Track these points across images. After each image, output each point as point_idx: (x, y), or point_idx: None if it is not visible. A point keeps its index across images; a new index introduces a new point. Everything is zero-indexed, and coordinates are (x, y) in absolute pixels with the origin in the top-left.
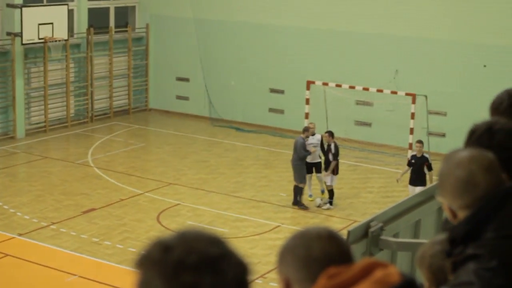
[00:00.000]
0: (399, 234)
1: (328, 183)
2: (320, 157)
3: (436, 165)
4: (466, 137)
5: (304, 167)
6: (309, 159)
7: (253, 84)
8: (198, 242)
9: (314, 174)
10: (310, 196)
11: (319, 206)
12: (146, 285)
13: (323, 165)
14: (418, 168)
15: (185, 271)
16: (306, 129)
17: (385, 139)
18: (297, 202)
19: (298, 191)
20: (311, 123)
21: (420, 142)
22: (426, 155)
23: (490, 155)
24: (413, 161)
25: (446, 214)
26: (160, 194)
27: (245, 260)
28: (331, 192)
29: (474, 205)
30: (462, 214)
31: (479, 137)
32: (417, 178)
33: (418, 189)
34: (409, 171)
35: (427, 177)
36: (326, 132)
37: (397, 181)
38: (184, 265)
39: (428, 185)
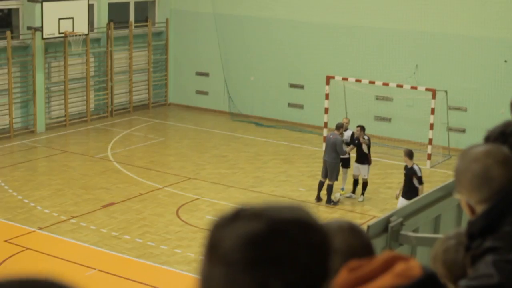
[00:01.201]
0: (419, 229)
1: (364, 176)
2: (349, 153)
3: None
4: (483, 142)
5: (339, 164)
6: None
7: (272, 79)
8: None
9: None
10: (343, 189)
11: (338, 201)
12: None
13: (352, 159)
14: (409, 180)
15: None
16: (341, 126)
17: (405, 135)
18: (331, 200)
19: (331, 189)
20: (345, 118)
21: (359, 126)
22: (416, 167)
23: (506, 149)
24: (356, 141)
25: (464, 210)
26: (179, 189)
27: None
28: (365, 184)
29: (491, 199)
30: (479, 209)
31: (493, 141)
32: (408, 190)
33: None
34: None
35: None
36: (358, 126)
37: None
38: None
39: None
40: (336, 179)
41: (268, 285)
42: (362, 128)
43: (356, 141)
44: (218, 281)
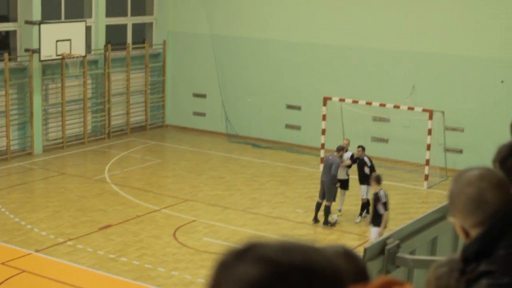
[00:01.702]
0: (416, 251)
1: (364, 196)
2: (348, 175)
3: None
4: (493, 158)
5: (337, 185)
6: (339, 175)
7: (269, 100)
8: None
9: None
10: (340, 211)
11: (335, 223)
12: None
13: (352, 181)
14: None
15: None
16: (341, 148)
17: (402, 155)
18: (328, 222)
19: (328, 210)
20: (345, 139)
21: (360, 146)
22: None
23: (499, 173)
24: (357, 161)
25: (459, 234)
26: (176, 211)
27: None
28: (367, 204)
29: (485, 223)
30: (474, 233)
31: (503, 159)
32: (374, 216)
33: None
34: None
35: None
36: (359, 147)
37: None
38: None
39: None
40: (334, 200)
41: None
42: (363, 148)
43: (357, 162)
44: None
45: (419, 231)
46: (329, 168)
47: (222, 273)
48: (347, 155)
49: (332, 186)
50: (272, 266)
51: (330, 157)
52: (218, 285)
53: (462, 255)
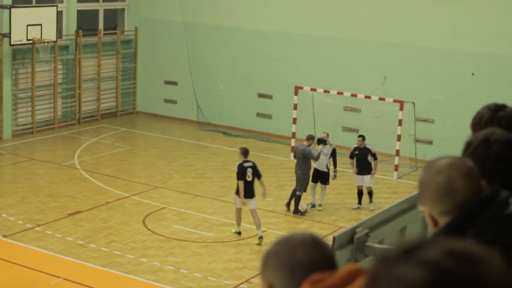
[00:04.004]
0: (385, 240)
1: (368, 184)
2: (328, 168)
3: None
4: (463, 148)
5: (309, 176)
6: (317, 166)
7: (241, 89)
8: None
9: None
10: (320, 205)
11: (305, 212)
12: None
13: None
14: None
15: None
16: (311, 137)
17: (372, 145)
18: (298, 210)
19: (298, 200)
20: (324, 132)
21: (361, 136)
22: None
23: (469, 162)
24: (356, 152)
25: (428, 222)
26: (146, 198)
27: None
28: (371, 192)
29: (453, 212)
30: (442, 221)
31: (475, 148)
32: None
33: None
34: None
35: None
36: (359, 137)
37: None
38: None
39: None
40: (305, 190)
41: None
42: (364, 138)
43: (357, 152)
44: None
45: (388, 221)
46: (301, 159)
47: (384, 269)
48: (327, 149)
49: (304, 176)
50: (438, 273)
51: (300, 147)
52: (377, 280)
53: None
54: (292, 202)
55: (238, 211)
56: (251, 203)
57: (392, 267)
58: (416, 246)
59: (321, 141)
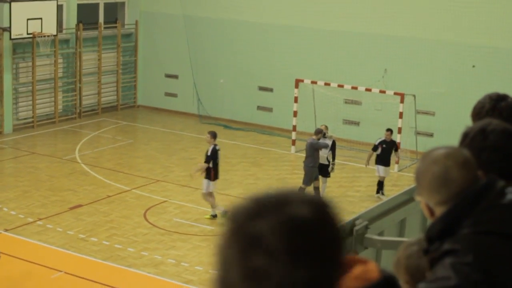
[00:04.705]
0: (384, 232)
1: (382, 174)
2: (328, 160)
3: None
4: (460, 139)
5: (316, 169)
6: (320, 160)
7: (242, 82)
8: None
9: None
10: None
11: None
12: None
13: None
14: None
15: None
16: (319, 131)
17: (373, 138)
18: None
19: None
20: (322, 125)
21: (389, 130)
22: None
23: (466, 152)
24: (384, 146)
25: (424, 212)
26: (147, 191)
27: None
28: (382, 183)
29: (450, 201)
30: (438, 211)
31: (472, 138)
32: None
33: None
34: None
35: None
36: (387, 130)
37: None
38: None
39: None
40: (309, 184)
41: (298, 277)
42: (391, 132)
43: (384, 145)
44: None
45: (388, 213)
46: (309, 152)
47: (257, 222)
48: (327, 141)
49: (308, 169)
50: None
51: (308, 141)
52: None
53: (426, 234)
54: None
55: (211, 194)
56: (214, 185)
57: (267, 216)
58: (262, 197)
59: (317, 132)
